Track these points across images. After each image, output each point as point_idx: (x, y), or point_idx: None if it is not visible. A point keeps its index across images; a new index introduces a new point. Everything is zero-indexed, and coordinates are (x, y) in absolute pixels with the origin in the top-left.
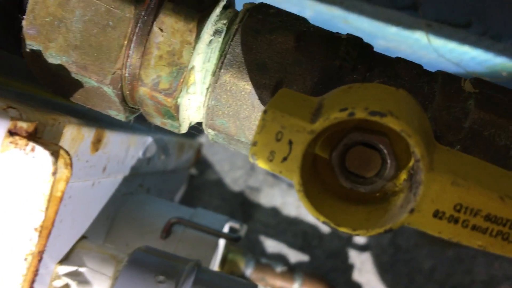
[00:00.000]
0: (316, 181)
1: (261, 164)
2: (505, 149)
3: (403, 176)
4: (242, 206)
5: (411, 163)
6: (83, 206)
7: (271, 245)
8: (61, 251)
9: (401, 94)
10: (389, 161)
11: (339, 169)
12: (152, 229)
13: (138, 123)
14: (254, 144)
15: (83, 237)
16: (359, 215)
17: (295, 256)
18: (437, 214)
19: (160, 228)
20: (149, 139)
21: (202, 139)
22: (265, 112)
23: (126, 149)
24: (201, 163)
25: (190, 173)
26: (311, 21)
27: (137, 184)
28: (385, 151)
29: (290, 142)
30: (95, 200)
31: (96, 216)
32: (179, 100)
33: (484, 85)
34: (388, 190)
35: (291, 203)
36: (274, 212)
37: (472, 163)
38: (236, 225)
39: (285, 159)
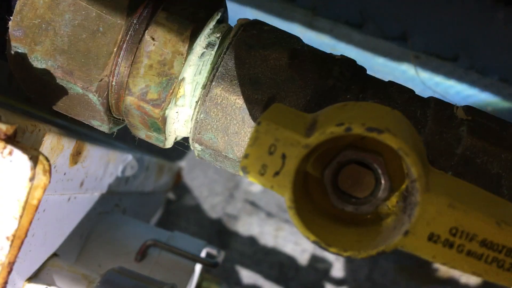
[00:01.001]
0: (307, 200)
1: (252, 178)
2: (497, 177)
3: (396, 198)
4: (219, 233)
5: (404, 185)
6: (57, 222)
7: (247, 275)
8: (31, 268)
9: (396, 114)
10: (383, 181)
11: (331, 188)
12: (127, 250)
13: (119, 140)
14: (246, 156)
15: (54, 255)
16: (350, 236)
17: (270, 287)
18: (432, 238)
19: (135, 250)
20: (129, 157)
21: (182, 163)
22: (258, 123)
23: (105, 165)
24: (179, 187)
25: (167, 197)
26: None
27: (114, 203)
28: (379, 170)
29: (284, 156)
30: (69, 216)
31: (69, 234)
32: (167, 111)
33: (476, 113)
34: (381, 212)
35: (269, 232)
36: (251, 241)
37: (467, 188)
38: (214, 251)
39: (277, 173)
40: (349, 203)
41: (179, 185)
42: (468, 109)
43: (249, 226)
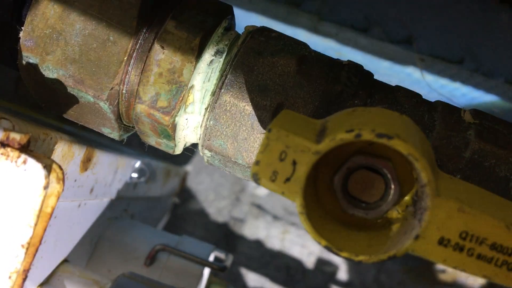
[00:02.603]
0: (318, 205)
1: (263, 184)
2: (505, 181)
3: (406, 202)
4: (225, 237)
5: (414, 189)
6: (67, 228)
7: (254, 278)
8: (42, 274)
9: (405, 120)
10: (392, 186)
11: (341, 193)
12: (136, 255)
13: (126, 146)
14: (257, 163)
15: (65, 261)
16: (361, 241)
17: None
18: (442, 242)
19: (145, 254)
20: (137, 163)
21: (188, 167)
22: (269, 130)
23: (114, 171)
24: (186, 192)
25: (174, 201)
26: None
27: (122, 208)
28: (389, 175)
29: (294, 163)
30: (80, 222)
31: (79, 239)
32: (176, 119)
33: (483, 117)
34: (391, 217)
35: (275, 235)
36: (258, 244)
37: (476, 191)
38: (222, 255)
39: (288, 179)
40: (359, 208)
41: (184, 189)
42: (475, 112)
43: (256, 229)
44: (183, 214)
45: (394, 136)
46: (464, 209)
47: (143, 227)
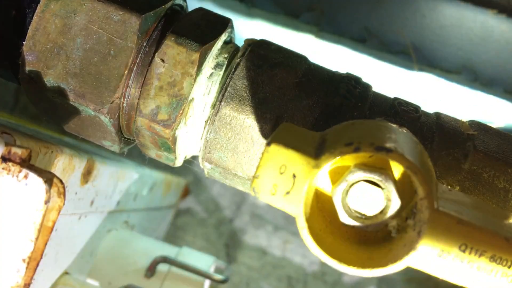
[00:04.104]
0: (318, 218)
1: (263, 198)
2: (504, 192)
3: (405, 214)
4: (226, 247)
5: (413, 202)
6: (68, 240)
7: None
8: (43, 287)
9: (404, 132)
10: (392, 199)
11: (341, 206)
12: (136, 267)
13: (126, 157)
14: (257, 177)
15: (65, 273)
16: (361, 254)
17: None
18: (441, 254)
19: (145, 266)
20: (137, 175)
21: (188, 178)
22: (268, 144)
23: (114, 183)
24: (186, 202)
25: (174, 212)
26: None
27: (122, 220)
28: (388, 188)
29: (294, 176)
30: (80, 234)
31: (79, 252)
32: (177, 132)
33: (482, 128)
34: (391, 229)
35: (276, 245)
36: (259, 254)
37: (475, 203)
38: (222, 266)
39: (288, 193)
40: (359, 220)
41: (184, 199)
42: (474, 124)
43: (257, 239)
44: (183, 224)
45: (393, 149)
46: (463, 222)
47: (143, 238)
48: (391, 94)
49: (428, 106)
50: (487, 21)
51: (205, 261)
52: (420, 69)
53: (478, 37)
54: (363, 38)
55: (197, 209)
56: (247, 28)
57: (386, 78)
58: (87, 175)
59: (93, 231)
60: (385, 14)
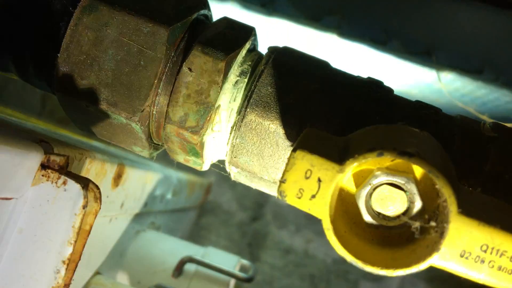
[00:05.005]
0: (343, 221)
1: (290, 201)
2: None
3: (428, 216)
4: (249, 247)
5: (436, 204)
6: (99, 242)
7: None
8: (77, 286)
9: (425, 136)
10: (415, 201)
11: (364, 208)
12: (164, 267)
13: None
14: (283, 181)
15: (97, 273)
16: (385, 255)
17: None
18: (463, 255)
19: (172, 266)
20: (163, 177)
21: (211, 178)
22: (294, 150)
23: (142, 186)
24: (209, 202)
25: (198, 212)
26: None
27: (150, 221)
28: (411, 191)
29: (319, 180)
30: (110, 236)
31: (110, 252)
32: (204, 137)
33: (503, 129)
34: (414, 231)
35: (299, 244)
36: (282, 253)
37: (496, 204)
38: (247, 264)
39: (313, 196)
40: (382, 222)
41: (208, 200)
42: (495, 126)
43: (279, 239)
44: (207, 224)
45: (415, 153)
46: (484, 223)
47: (170, 239)
48: (412, 96)
49: (450, 105)
50: (507, 21)
51: (230, 261)
52: (441, 70)
53: (499, 36)
54: (383, 40)
55: (221, 209)
56: (268, 32)
57: (407, 79)
58: (117, 178)
59: (122, 232)
60: (404, 15)
